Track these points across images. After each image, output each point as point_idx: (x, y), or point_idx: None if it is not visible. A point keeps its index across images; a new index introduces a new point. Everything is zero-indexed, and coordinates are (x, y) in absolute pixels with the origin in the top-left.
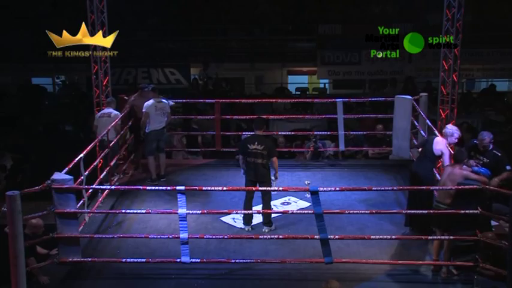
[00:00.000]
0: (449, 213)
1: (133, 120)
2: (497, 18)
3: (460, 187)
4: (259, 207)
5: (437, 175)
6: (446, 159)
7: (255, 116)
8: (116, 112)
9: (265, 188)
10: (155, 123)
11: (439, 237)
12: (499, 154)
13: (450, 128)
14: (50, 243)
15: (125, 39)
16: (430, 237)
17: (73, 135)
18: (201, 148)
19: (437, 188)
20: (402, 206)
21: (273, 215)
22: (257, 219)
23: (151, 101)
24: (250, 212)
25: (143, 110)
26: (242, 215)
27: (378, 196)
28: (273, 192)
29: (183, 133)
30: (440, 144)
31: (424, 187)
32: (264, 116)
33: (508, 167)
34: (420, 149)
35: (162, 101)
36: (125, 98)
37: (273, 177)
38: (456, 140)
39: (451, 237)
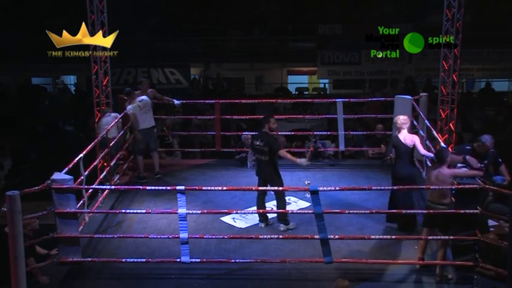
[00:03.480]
0: (444, 213)
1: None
2: (497, 18)
3: (460, 186)
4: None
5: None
6: (419, 147)
7: (255, 116)
8: (115, 114)
9: (265, 188)
10: (143, 122)
11: (439, 237)
12: (494, 150)
13: (402, 117)
14: (50, 243)
15: (125, 39)
16: (430, 237)
17: (73, 135)
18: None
19: (437, 187)
20: None
21: (273, 215)
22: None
23: (134, 103)
24: (260, 210)
25: (129, 113)
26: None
27: (378, 196)
28: (271, 192)
29: (180, 133)
30: (407, 136)
31: (424, 187)
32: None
33: (499, 160)
34: (393, 152)
35: (143, 99)
36: (125, 98)
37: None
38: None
39: (451, 237)
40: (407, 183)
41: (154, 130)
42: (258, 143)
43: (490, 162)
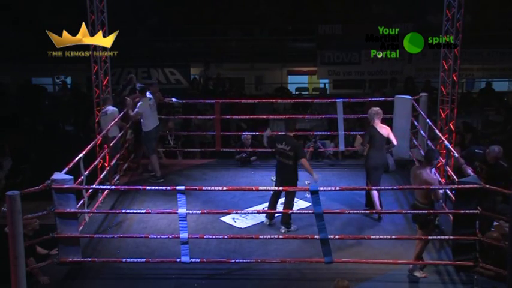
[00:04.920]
0: (423, 210)
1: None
2: (497, 18)
3: (460, 186)
4: (263, 206)
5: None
6: (393, 138)
7: (255, 116)
8: (112, 108)
9: (265, 188)
10: (154, 120)
11: (439, 237)
12: (505, 165)
13: (375, 108)
14: (50, 243)
15: (125, 39)
16: (430, 237)
17: (73, 135)
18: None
19: (439, 187)
20: (402, 206)
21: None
22: (261, 217)
23: (145, 101)
24: (269, 209)
25: (136, 110)
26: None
27: None
28: (271, 193)
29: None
30: (382, 127)
31: (423, 187)
32: (264, 116)
33: None
34: (368, 143)
35: (152, 98)
36: (126, 98)
37: (308, 182)
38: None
39: (451, 237)
40: (380, 170)
41: (159, 128)
42: (282, 146)
43: (498, 174)
